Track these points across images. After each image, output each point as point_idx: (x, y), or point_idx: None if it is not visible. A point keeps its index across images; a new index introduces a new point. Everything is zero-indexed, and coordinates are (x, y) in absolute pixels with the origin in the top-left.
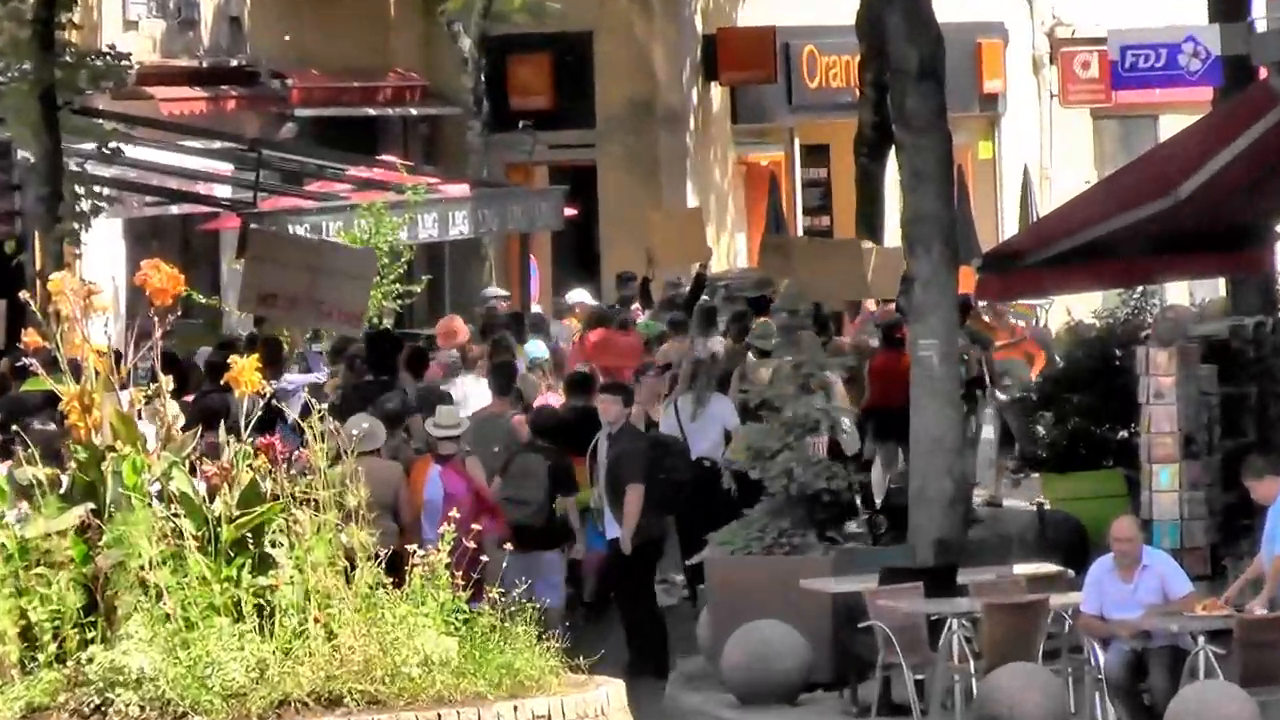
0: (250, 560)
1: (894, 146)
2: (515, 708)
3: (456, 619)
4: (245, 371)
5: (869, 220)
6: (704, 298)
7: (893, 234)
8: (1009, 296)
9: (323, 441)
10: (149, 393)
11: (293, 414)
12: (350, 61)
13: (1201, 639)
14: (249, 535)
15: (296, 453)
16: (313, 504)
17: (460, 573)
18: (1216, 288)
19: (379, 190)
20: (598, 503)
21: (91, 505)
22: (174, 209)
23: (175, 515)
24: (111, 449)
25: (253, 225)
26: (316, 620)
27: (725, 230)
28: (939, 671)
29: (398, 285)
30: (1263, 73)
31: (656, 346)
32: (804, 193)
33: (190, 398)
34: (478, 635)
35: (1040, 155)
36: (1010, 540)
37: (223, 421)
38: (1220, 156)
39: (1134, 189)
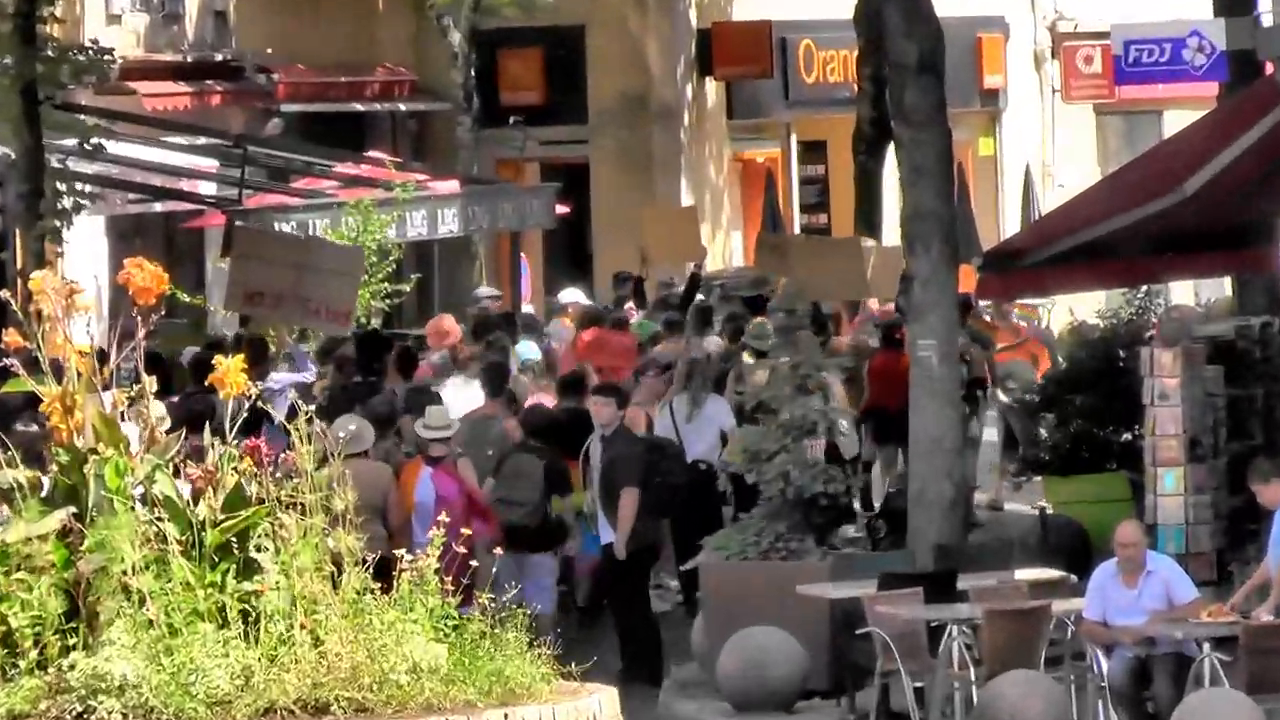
0: (235, 565)
1: (893, 143)
2: (505, 715)
3: (446, 625)
4: (230, 372)
5: (867, 218)
6: (699, 297)
7: (891, 232)
8: (1010, 296)
9: (309, 443)
10: (132, 394)
11: (279, 414)
12: (338, 56)
13: (1207, 646)
14: (234, 540)
15: (283, 455)
16: (299, 508)
17: (450, 578)
18: (1222, 287)
19: (367, 187)
20: (591, 507)
21: (73, 509)
22: (158, 206)
23: (159, 519)
24: (94, 451)
25: (238, 223)
26: (303, 626)
27: (720, 228)
28: (939, 679)
29: (386, 284)
30: (1269, 68)
31: (651, 347)
32: (801, 190)
33: (175, 398)
34: (467, 642)
35: (1042, 152)
36: (1011, 545)
37: (208, 423)
38: (1226, 153)
39: (1138, 186)
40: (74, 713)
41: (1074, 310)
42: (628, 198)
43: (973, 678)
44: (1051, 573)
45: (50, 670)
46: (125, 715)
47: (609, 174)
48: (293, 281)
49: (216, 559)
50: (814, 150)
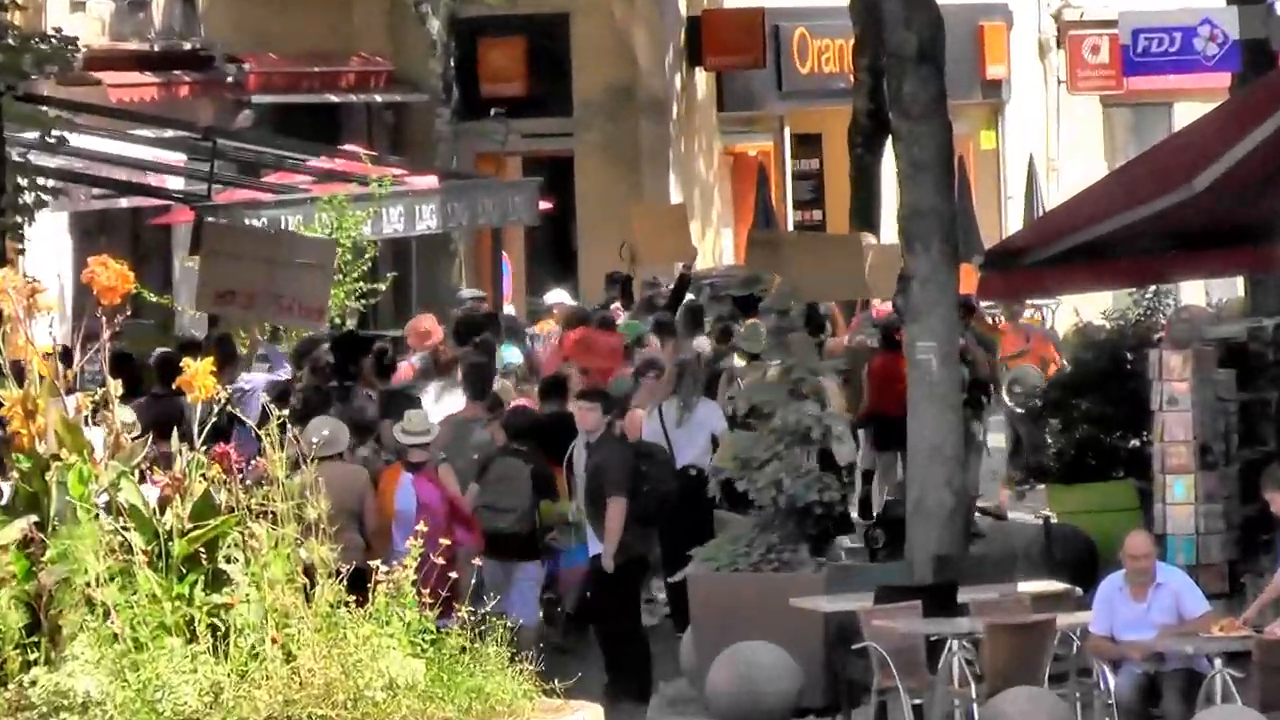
0: (204, 577)
1: (890, 136)
2: None
3: (424, 639)
4: (199, 375)
5: (864, 214)
6: (689, 297)
7: (889, 229)
8: (1012, 296)
9: (282, 449)
10: (97, 398)
11: (250, 417)
12: (311, 45)
13: (1218, 661)
14: (202, 550)
15: (253, 461)
16: (271, 516)
17: (428, 589)
18: (1234, 287)
19: (341, 182)
20: (577, 516)
21: (35, 518)
22: (123, 202)
23: (124, 529)
24: (56, 458)
25: (207, 219)
26: (274, 641)
27: (710, 225)
28: (938, 696)
29: (361, 284)
30: None
31: (638, 348)
32: (794, 185)
33: (141, 400)
34: (446, 657)
35: (1046, 145)
36: (1014, 556)
37: (176, 428)
38: (1239, 147)
39: (1146, 182)
40: None
41: (1079, 311)
42: (614, 193)
43: (974, 695)
44: (1056, 585)
45: (10, 686)
46: None
47: (594, 168)
48: (264, 278)
49: (184, 570)
50: (808, 144)
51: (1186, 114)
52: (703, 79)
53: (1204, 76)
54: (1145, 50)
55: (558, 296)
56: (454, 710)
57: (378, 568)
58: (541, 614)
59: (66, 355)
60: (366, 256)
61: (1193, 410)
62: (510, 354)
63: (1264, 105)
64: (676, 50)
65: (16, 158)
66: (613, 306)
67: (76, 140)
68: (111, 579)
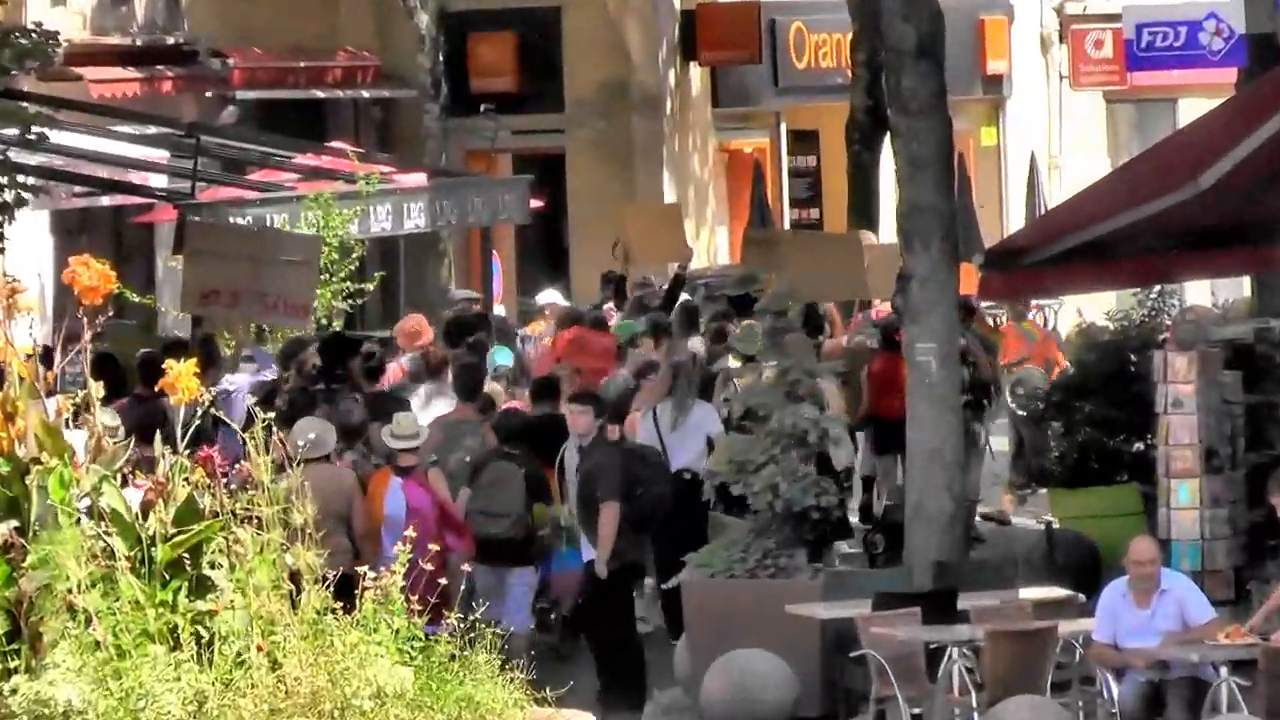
0: (187, 583)
1: (889, 132)
2: None
3: (412, 647)
4: (182, 377)
5: (862, 212)
6: (684, 296)
7: (887, 227)
8: (1013, 296)
9: (267, 452)
10: (78, 400)
11: (235, 419)
12: (297, 39)
13: (1224, 670)
14: (186, 556)
15: (238, 465)
16: (256, 521)
17: (417, 595)
18: (1241, 287)
19: (328, 180)
20: (569, 520)
21: (15, 523)
22: (105, 200)
23: (106, 534)
24: (36, 461)
25: (190, 218)
26: (259, 648)
27: (705, 224)
28: (937, 705)
29: (348, 284)
30: None
31: (631, 348)
32: (791, 182)
33: (123, 402)
34: (435, 664)
35: (1048, 142)
36: (1015, 561)
37: (159, 431)
38: (1245, 143)
39: (1150, 179)
40: None
41: (1082, 311)
42: (606, 191)
43: (974, 704)
44: (1058, 591)
45: None
46: None
47: (586, 166)
48: (249, 275)
49: (167, 576)
50: (805, 140)
51: (1191, 110)
52: (697, 74)
53: (1209, 71)
54: (1149, 45)
55: (550, 297)
56: (443, 718)
57: (365, 574)
58: (535, 621)
59: (47, 356)
60: (353, 256)
61: (1198, 413)
62: (502, 356)
63: (1271, 100)
64: (670, 45)
65: None
66: (605, 307)
67: (57, 137)
68: (93, 585)
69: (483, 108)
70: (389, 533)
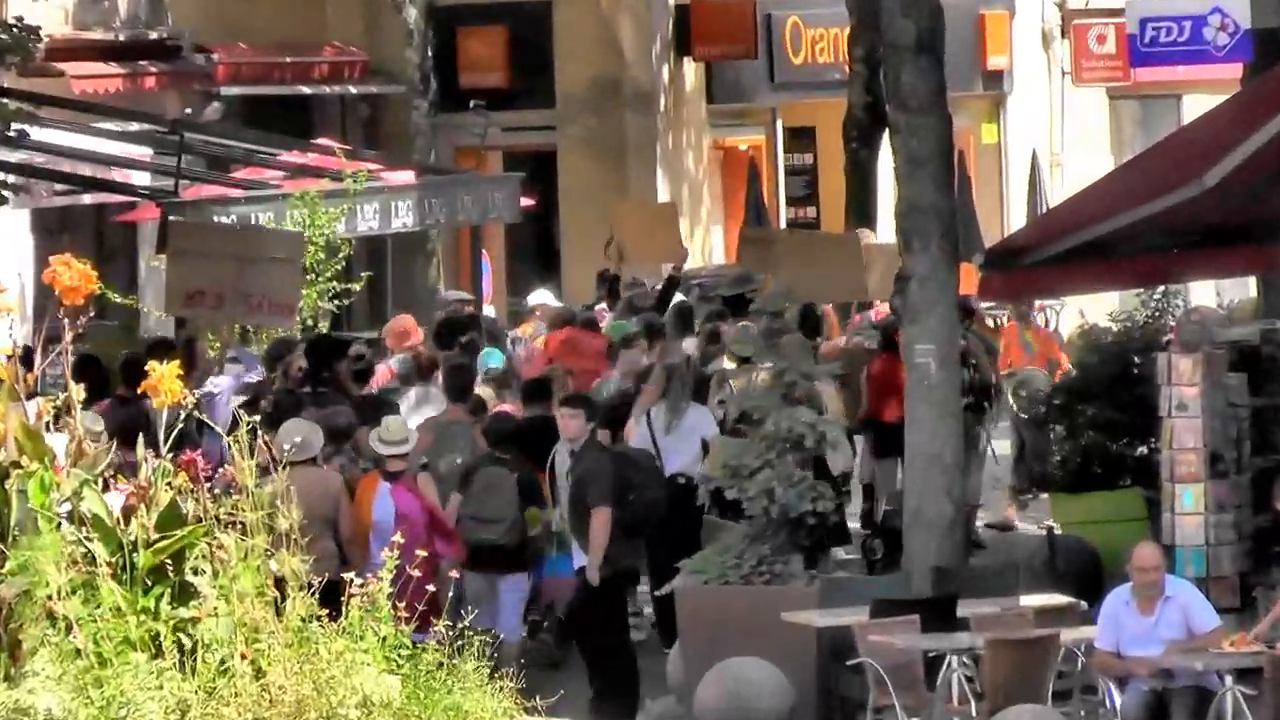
0: (170, 589)
1: (887, 129)
2: None
3: (399, 655)
4: (165, 379)
5: (859, 211)
6: (679, 297)
7: (886, 226)
8: (1014, 297)
9: (252, 456)
10: (59, 403)
11: (219, 422)
12: (282, 34)
13: (1229, 678)
14: (168, 562)
15: (222, 469)
16: (240, 526)
17: (404, 602)
18: (1246, 287)
19: (314, 178)
20: (560, 524)
21: None
22: (87, 198)
23: (87, 539)
24: (16, 465)
25: (172, 217)
26: (243, 656)
27: (699, 223)
28: (936, 714)
29: (334, 284)
30: None
31: (623, 349)
32: (787, 181)
33: (105, 404)
34: (423, 673)
35: (1050, 139)
36: (1016, 568)
37: (142, 434)
38: (1251, 140)
39: (1154, 177)
40: None
41: (1084, 312)
42: (598, 189)
43: (974, 713)
44: (1060, 599)
45: None
46: None
47: (578, 163)
48: (233, 275)
49: (150, 583)
50: (801, 137)
51: (1196, 106)
52: (691, 70)
53: (1214, 67)
54: (1153, 40)
55: (542, 297)
56: None
57: (352, 580)
58: (526, 629)
59: (27, 358)
60: (340, 255)
61: (1203, 416)
62: (493, 358)
63: (1277, 96)
64: (664, 40)
65: None
66: (598, 308)
67: (38, 134)
68: (74, 592)
69: (472, 104)
70: (377, 539)
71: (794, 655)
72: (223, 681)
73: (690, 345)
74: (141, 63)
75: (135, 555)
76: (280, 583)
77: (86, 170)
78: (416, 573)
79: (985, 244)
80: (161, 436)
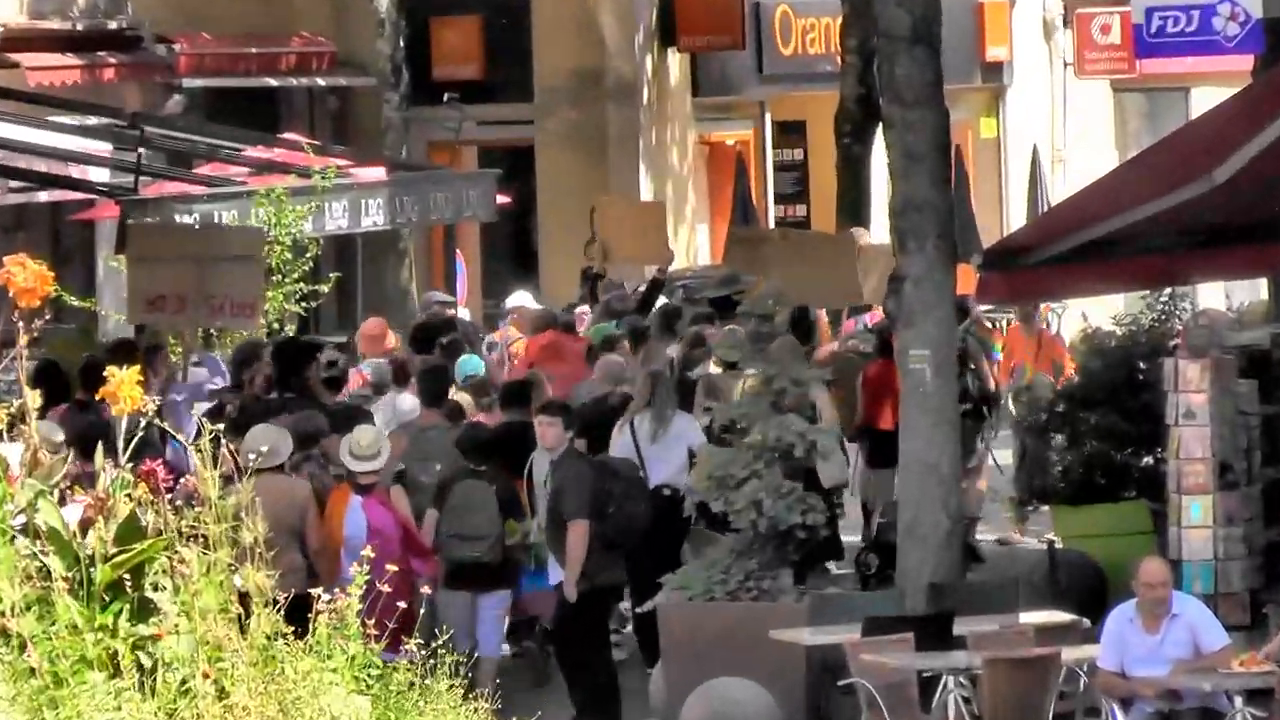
0: (129, 606)
1: (881, 124)
2: None
3: (369, 674)
4: (124, 386)
5: (852, 209)
6: (662, 299)
7: (879, 225)
8: (1014, 298)
9: (215, 465)
10: (13, 410)
11: (182, 429)
12: (248, 24)
13: (1239, 699)
14: (127, 577)
15: (183, 480)
16: (202, 540)
17: (375, 619)
18: (1257, 289)
19: (280, 174)
20: (538, 536)
21: None
22: (43, 196)
23: (42, 553)
24: None
25: (130, 220)
26: (206, 676)
27: (685, 221)
28: None
29: (302, 285)
30: None
31: (603, 353)
32: (776, 177)
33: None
34: (393, 693)
35: (1052, 134)
36: (1016, 583)
37: (101, 442)
38: (1262, 135)
39: (1161, 173)
40: None
41: (1088, 315)
42: (578, 186)
43: None
44: (1061, 616)
45: None
46: None
47: (557, 159)
48: (194, 278)
49: (108, 599)
50: (791, 132)
51: (1205, 100)
52: (676, 61)
53: (1224, 59)
54: (1160, 30)
55: (519, 299)
56: None
57: (319, 596)
58: (512, 651)
59: None
60: (308, 255)
61: (1211, 425)
62: (470, 364)
63: None
64: (647, 29)
65: None
66: (579, 310)
67: None
68: (28, 608)
69: (446, 97)
70: (349, 556)
71: (782, 675)
72: (184, 702)
73: (673, 350)
74: (100, 54)
75: (93, 570)
76: (244, 598)
77: (42, 166)
78: (387, 588)
79: (984, 243)
80: (121, 445)
